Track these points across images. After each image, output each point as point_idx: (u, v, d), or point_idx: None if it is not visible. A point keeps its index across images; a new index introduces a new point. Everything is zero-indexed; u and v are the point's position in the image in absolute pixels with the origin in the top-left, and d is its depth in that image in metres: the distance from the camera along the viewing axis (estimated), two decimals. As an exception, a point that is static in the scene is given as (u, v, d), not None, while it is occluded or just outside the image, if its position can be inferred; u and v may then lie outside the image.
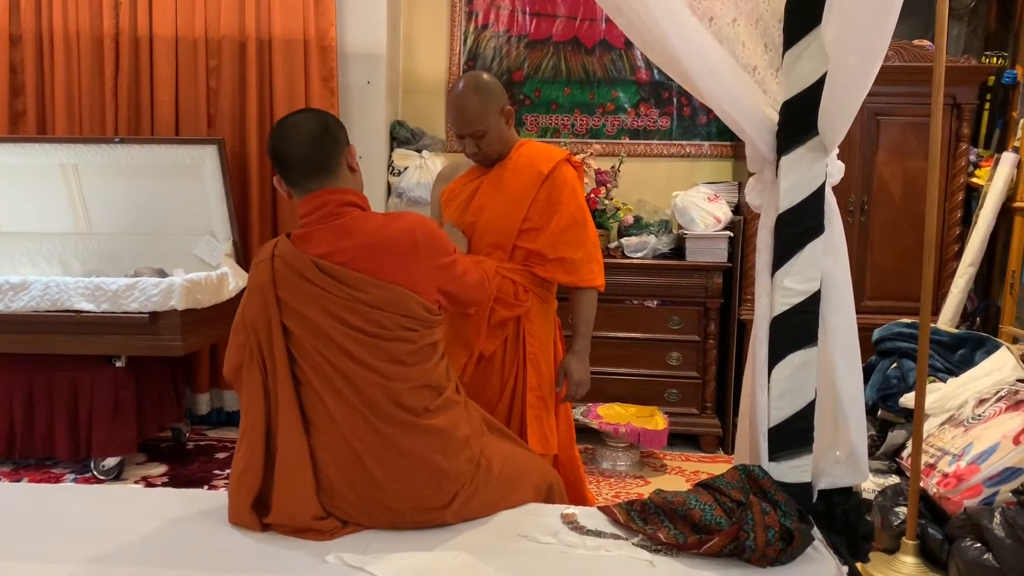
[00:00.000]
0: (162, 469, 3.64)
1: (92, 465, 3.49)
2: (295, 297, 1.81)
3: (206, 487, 3.39)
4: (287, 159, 1.86)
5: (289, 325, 1.81)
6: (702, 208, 3.97)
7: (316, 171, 1.86)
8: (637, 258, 4.01)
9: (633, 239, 4.05)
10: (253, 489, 1.83)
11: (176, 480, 3.50)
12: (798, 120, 1.88)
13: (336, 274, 1.79)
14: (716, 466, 3.78)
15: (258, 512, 1.83)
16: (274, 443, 1.83)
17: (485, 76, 2.39)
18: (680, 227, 4.07)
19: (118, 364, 3.43)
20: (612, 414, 3.79)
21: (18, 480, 3.45)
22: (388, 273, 1.80)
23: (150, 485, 3.43)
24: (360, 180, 1.96)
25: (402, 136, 4.32)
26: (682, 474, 3.72)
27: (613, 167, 4.19)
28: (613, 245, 4.08)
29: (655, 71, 4.37)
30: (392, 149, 4.33)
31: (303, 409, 1.82)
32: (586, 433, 3.67)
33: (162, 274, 3.69)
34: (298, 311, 1.80)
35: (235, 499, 1.85)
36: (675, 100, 4.40)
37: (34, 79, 4.10)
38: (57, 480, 3.49)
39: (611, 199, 4.17)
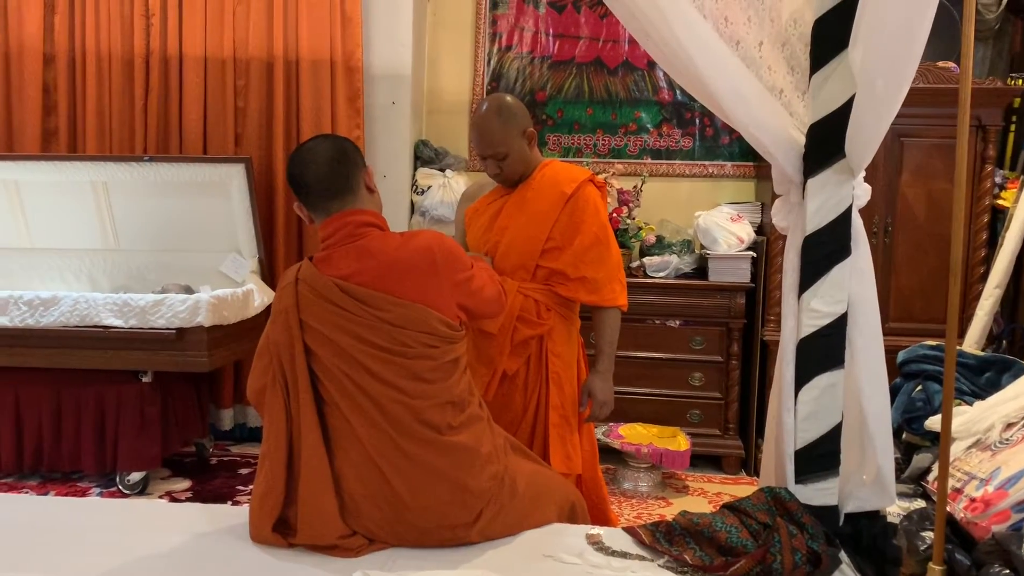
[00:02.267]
0: (186, 484, 3.67)
1: (117, 479, 3.53)
2: (318, 319, 1.83)
3: (229, 502, 3.41)
4: (307, 184, 1.90)
5: (313, 347, 1.84)
6: (725, 228, 3.96)
7: (336, 194, 1.89)
8: (659, 278, 4.01)
9: (655, 259, 4.05)
10: (275, 512, 1.83)
11: (200, 495, 3.53)
12: (825, 143, 1.88)
13: (358, 295, 1.82)
14: (738, 487, 3.75)
15: (280, 533, 1.84)
16: (296, 465, 1.84)
17: (508, 98, 2.41)
18: (703, 247, 4.07)
19: (144, 379, 3.47)
20: (634, 434, 3.78)
21: (45, 493, 3.49)
22: (408, 291, 1.83)
23: (174, 500, 3.46)
24: (379, 200, 2.00)
25: (426, 155, 4.36)
26: (704, 495, 3.70)
27: (635, 187, 4.21)
28: (635, 264, 4.09)
29: (677, 91, 4.39)
30: (416, 168, 4.37)
31: (327, 430, 1.84)
32: (608, 453, 3.65)
33: (189, 291, 3.73)
34: (322, 333, 1.82)
35: (256, 522, 1.86)
36: (697, 120, 4.41)
37: (66, 98, 4.18)
38: (83, 494, 3.53)
39: (633, 219, 4.18)
